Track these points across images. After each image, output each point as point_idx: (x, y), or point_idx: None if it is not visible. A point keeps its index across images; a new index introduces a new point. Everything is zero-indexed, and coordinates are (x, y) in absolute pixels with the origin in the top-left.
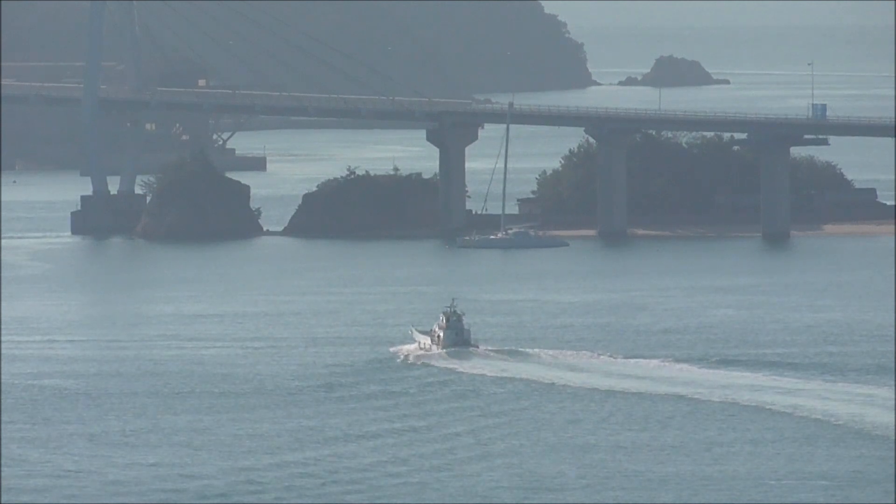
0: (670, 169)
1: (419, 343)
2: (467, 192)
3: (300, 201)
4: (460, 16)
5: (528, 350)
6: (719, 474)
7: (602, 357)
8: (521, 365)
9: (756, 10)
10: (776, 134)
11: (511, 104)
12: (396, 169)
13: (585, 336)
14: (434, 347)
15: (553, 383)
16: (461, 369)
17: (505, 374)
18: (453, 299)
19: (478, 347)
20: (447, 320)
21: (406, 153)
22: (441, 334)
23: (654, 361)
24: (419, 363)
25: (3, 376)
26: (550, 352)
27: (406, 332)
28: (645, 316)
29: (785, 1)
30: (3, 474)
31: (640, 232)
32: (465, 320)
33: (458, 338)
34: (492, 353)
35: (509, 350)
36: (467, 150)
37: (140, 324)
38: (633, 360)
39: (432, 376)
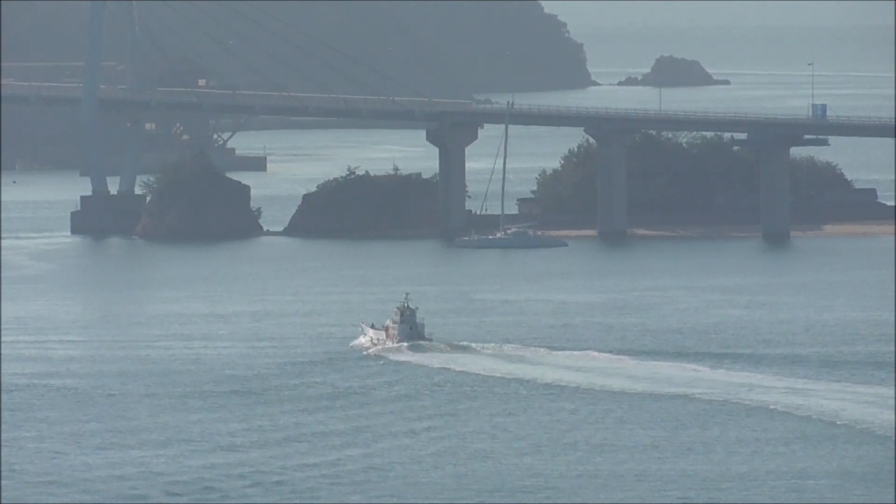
0: (670, 169)
1: (370, 338)
2: (467, 192)
3: (300, 201)
4: (460, 16)
5: (496, 346)
6: (720, 474)
7: (601, 356)
8: (511, 365)
9: (756, 10)
10: (776, 134)
11: (510, 104)
12: (396, 169)
13: (585, 336)
14: (389, 342)
15: (550, 383)
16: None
17: (496, 374)
18: (406, 294)
19: (431, 341)
20: (401, 315)
21: (406, 153)
22: (395, 329)
23: (629, 359)
24: (371, 357)
25: (3, 376)
26: (540, 350)
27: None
28: (644, 316)
29: (785, 1)
30: (2, 474)
31: (640, 232)
32: (419, 315)
33: (411, 332)
34: (446, 348)
35: (462, 345)
36: (467, 150)
37: (140, 324)
38: (599, 355)
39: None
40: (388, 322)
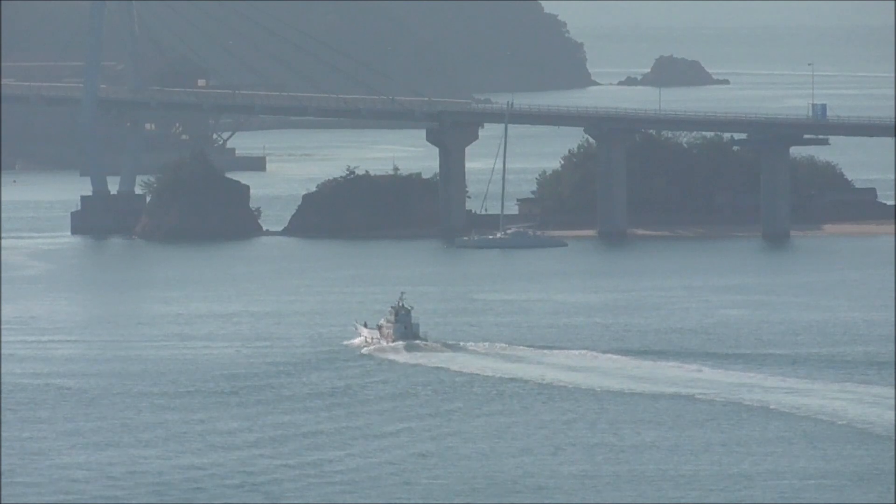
0: (670, 169)
1: (364, 337)
2: (467, 192)
3: (300, 201)
4: (460, 16)
5: (495, 346)
6: (720, 473)
7: (600, 356)
8: (509, 364)
9: (756, 10)
10: (776, 134)
11: (510, 104)
12: (396, 169)
13: (584, 336)
14: (383, 341)
15: (549, 383)
16: (451, 367)
17: (495, 374)
18: (402, 293)
19: (427, 341)
20: (396, 314)
21: (406, 153)
22: (390, 328)
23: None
24: (366, 356)
25: (3, 376)
26: (539, 350)
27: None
28: (644, 316)
29: (785, 1)
30: (2, 474)
31: (640, 232)
32: (414, 314)
33: (406, 331)
34: (441, 347)
35: (459, 345)
36: (467, 150)
37: (140, 324)
38: (614, 357)
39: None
40: (382, 321)
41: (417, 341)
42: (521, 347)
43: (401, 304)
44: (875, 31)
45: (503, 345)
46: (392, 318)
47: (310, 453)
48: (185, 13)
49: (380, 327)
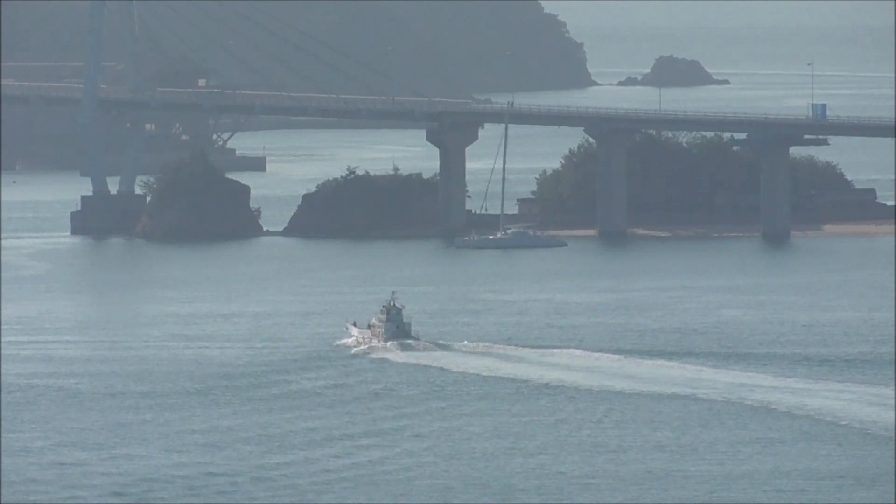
0: (670, 169)
1: (356, 337)
2: (467, 192)
3: (300, 201)
4: (460, 16)
5: (492, 346)
6: (721, 474)
7: (600, 356)
8: (507, 364)
9: (756, 10)
10: (776, 134)
11: (510, 104)
12: (396, 169)
13: (584, 336)
14: (375, 340)
15: (548, 383)
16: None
17: (495, 374)
18: (393, 292)
19: (419, 340)
20: (387, 313)
21: (406, 153)
22: (381, 327)
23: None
24: (359, 356)
25: (3, 376)
26: (538, 350)
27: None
28: (644, 316)
29: (785, 1)
30: (3, 473)
31: (640, 232)
32: (405, 313)
33: (398, 330)
34: (433, 347)
35: (454, 345)
36: (467, 150)
37: (140, 324)
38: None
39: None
40: (374, 320)
41: (409, 340)
42: (521, 347)
43: (392, 304)
44: (875, 31)
45: (502, 345)
46: (384, 317)
47: (304, 452)
48: (185, 13)
49: (371, 327)
